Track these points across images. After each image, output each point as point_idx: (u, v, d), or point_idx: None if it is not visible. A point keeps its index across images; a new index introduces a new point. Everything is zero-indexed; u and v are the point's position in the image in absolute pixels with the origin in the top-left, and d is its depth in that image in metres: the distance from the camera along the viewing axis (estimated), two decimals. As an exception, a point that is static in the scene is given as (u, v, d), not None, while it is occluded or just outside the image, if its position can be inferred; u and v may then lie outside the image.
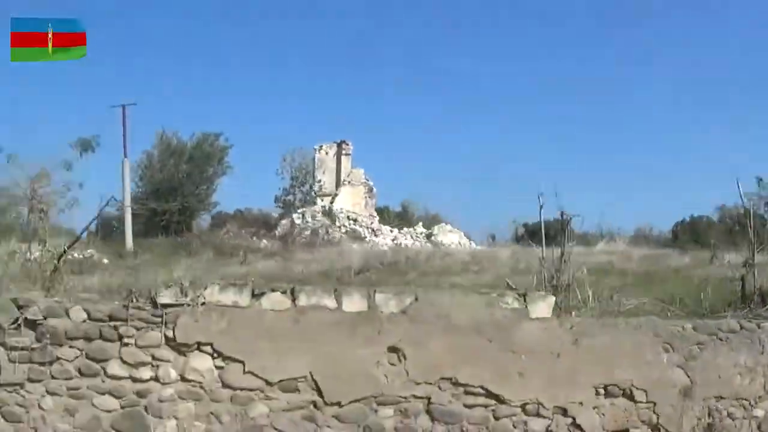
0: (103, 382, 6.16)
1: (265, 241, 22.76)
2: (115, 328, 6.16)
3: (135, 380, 6.13)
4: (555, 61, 74.92)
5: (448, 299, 6.17)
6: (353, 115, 66.44)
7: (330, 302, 6.11)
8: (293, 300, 6.13)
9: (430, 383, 6.05)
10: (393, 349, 6.06)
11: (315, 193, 27.96)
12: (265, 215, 29.63)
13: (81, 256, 17.65)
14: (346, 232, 23.04)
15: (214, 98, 71.51)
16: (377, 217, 26.78)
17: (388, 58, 76.12)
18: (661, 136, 70.08)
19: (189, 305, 6.12)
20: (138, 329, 6.15)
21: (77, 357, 6.18)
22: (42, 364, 6.19)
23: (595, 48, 76.24)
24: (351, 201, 26.72)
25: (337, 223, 24.03)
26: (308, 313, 6.09)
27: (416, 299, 6.12)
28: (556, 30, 76.43)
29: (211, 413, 6.07)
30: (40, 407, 6.20)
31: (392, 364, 6.06)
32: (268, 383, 6.03)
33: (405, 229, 25.18)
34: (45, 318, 6.24)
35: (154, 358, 6.12)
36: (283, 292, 6.15)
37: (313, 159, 28.70)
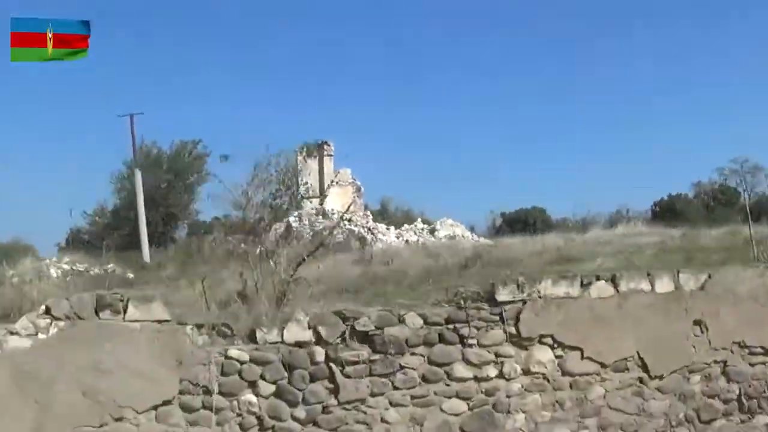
0: (448, 385, 6.11)
1: (261, 247, 21.84)
2: (455, 330, 6.13)
3: (480, 380, 6.17)
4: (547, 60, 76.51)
5: (731, 275, 6.99)
6: (325, 113, 64.12)
7: (645, 285, 6.63)
8: (615, 286, 6.55)
9: (725, 348, 6.84)
10: (697, 322, 6.75)
11: (302, 196, 27.17)
12: (246, 221, 28.00)
13: (102, 271, 15.75)
14: (342, 232, 22.63)
15: (190, 104, 65.05)
16: (371, 216, 26.14)
17: (361, 56, 74.03)
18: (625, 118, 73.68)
19: (526, 301, 6.28)
20: (478, 329, 6.17)
21: (421, 364, 6.06)
22: (383, 375, 5.98)
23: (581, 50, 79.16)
24: (340, 201, 26.01)
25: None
26: (629, 298, 6.56)
27: (709, 277, 6.87)
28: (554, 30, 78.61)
29: (556, 401, 6.31)
30: (383, 421, 5.99)
31: (696, 336, 6.75)
32: (603, 366, 6.42)
33: (405, 225, 25.21)
34: (377, 328, 6.01)
35: (497, 355, 6.20)
36: (607, 280, 6.55)
37: (296, 161, 27.95)
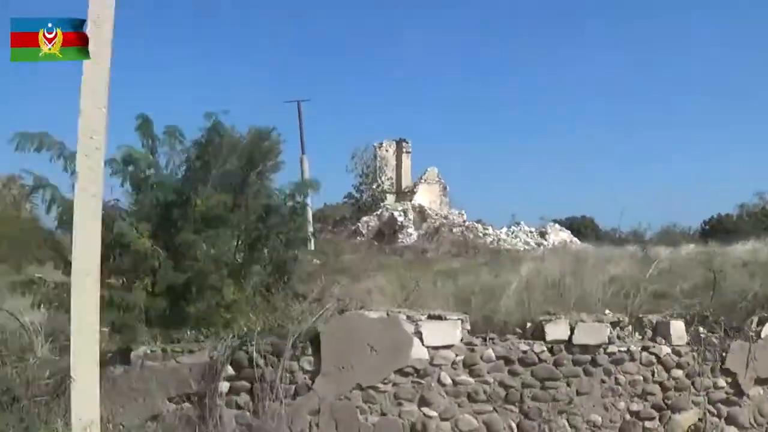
0: None
1: (359, 238, 21.69)
2: None
3: None
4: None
5: None
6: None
7: None
8: None
9: None
10: None
11: (385, 191, 26.26)
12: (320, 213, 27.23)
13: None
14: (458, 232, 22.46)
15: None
16: (465, 215, 25.00)
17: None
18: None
19: None
20: None
21: None
22: None
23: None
24: (428, 199, 25.36)
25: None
26: None
27: None
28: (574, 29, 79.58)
29: None
30: None
31: None
32: None
33: (513, 227, 23.77)
34: None
35: None
36: None
37: (375, 156, 26.88)
